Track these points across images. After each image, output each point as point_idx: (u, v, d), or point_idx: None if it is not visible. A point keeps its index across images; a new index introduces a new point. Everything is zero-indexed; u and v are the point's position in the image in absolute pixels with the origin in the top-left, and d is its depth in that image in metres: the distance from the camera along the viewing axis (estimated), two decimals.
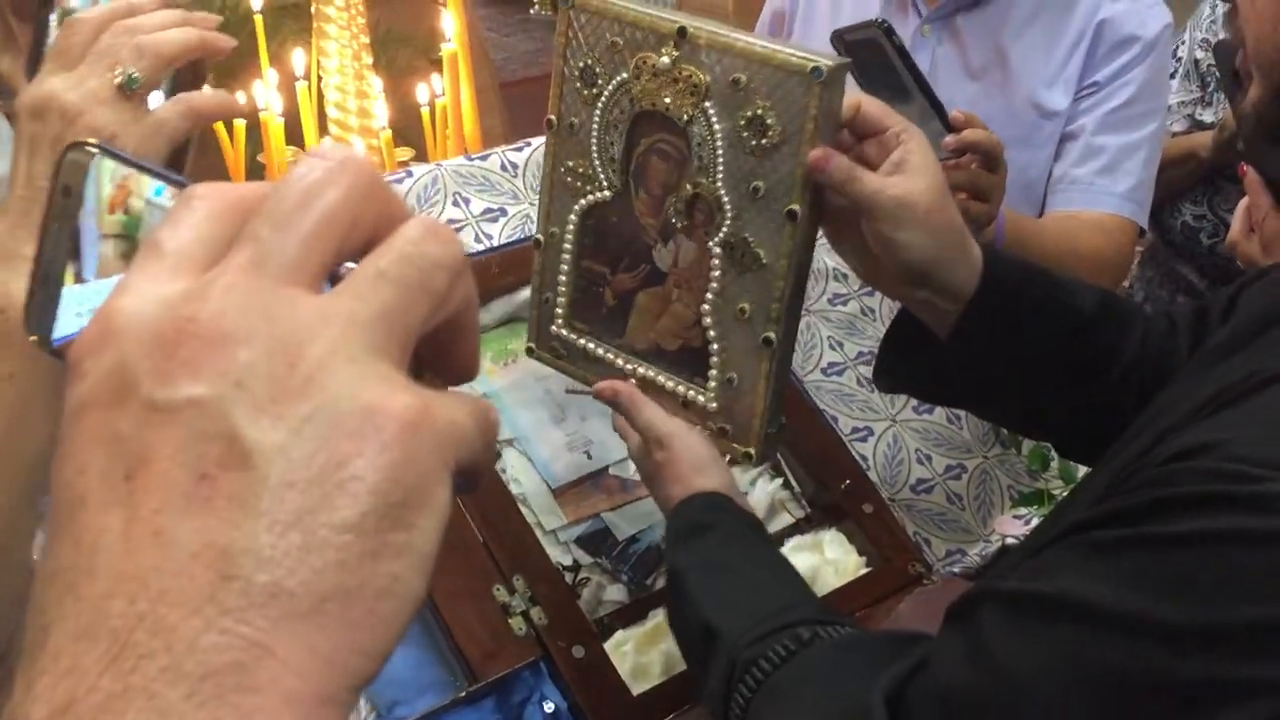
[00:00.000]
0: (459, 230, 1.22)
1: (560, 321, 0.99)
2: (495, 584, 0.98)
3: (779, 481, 1.16)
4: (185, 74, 0.82)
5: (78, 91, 0.76)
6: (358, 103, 1.53)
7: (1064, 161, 1.49)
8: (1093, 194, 1.46)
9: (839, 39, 1.20)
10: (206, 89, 0.85)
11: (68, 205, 0.42)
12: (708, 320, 0.89)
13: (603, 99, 0.90)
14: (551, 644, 0.96)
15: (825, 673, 0.76)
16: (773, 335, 0.86)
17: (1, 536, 0.72)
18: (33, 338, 0.41)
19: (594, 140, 0.92)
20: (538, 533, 1.05)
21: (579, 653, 0.96)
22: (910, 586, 1.09)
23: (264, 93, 1.47)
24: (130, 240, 0.45)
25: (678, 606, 0.87)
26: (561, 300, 0.98)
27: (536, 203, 1.31)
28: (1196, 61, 2.00)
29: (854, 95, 0.84)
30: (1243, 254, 1.18)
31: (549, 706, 0.94)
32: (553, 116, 0.94)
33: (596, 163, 0.92)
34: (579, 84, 0.91)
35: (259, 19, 1.56)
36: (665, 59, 0.85)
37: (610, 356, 0.97)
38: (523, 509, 1.05)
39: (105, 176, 0.43)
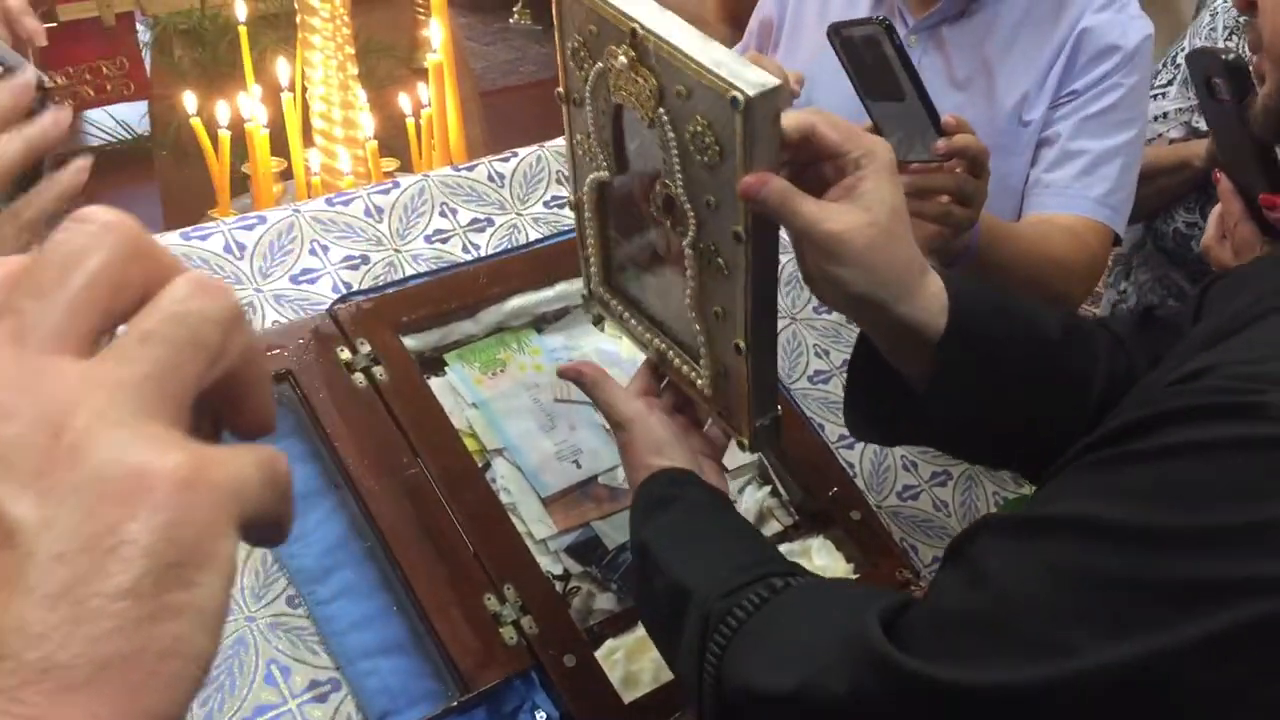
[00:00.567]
0: (445, 241, 1.23)
1: (596, 281, 1.01)
2: (486, 593, 0.98)
3: (767, 489, 1.17)
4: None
5: None
6: (343, 113, 1.53)
7: (1039, 166, 1.49)
8: (1067, 197, 1.46)
9: (835, 33, 1.19)
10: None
11: None
12: (691, 314, 0.89)
13: (589, 84, 0.88)
14: (543, 653, 0.96)
15: (807, 610, 0.75)
16: (741, 343, 0.85)
17: None
18: None
19: (590, 120, 0.91)
20: (528, 542, 1.05)
21: (570, 661, 0.97)
22: (899, 592, 1.09)
23: (249, 104, 1.47)
24: None
25: (646, 579, 0.86)
26: (594, 259, 1.00)
27: (523, 213, 1.32)
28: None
29: (808, 116, 0.80)
30: (1215, 259, 1.19)
31: (540, 715, 0.94)
32: (561, 89, 0.93)
33: (594, 143, 0.92)
34: (573, 63, 0.90)
35: (243, 30, 1.56)
36: (624, 59, 0.83)
37: (634, 322, 0.98)
38: (513, 518, 1.06)
39: None
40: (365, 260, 1.19)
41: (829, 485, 1.16)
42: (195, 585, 0.31)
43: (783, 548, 1.13)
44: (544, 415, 1.14)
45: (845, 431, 1.25)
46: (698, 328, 0.89)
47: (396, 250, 1.20)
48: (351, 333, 1.08)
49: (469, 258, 1.22)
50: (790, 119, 0.79)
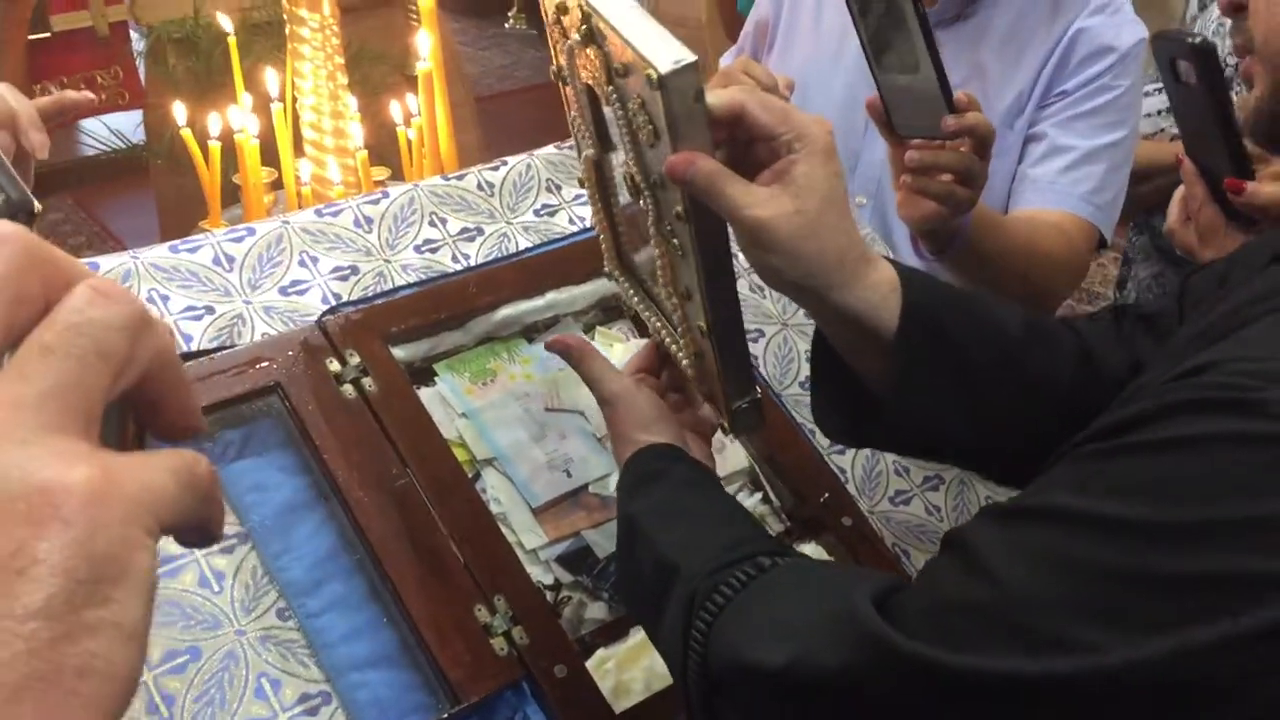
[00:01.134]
0: (435, 251, 1.23)
1: (608, 256, 1.00)
2: (476, 604, 0.98)
3: (758, 496, 1.17)
4: None
5: None
6: (333, 123, 1.54)
7: (1025, 161, 1.49)
8: (1052, 193, 1.46)
9: None
10: None
11: None
12: (661, 294, 0.88)
13: (565, 60, 0.88)
14: (533, 664, 0.96)
15: (797, 587, 0.74)
16: (703, 323, 0.83)
17: None
18: None
19: (572, 100, 0.90)
20: (518, 552, 1.05)
21: (561, 672, 0.96)
22: None
23: (239, 115, 1.47)
24: None
25: (631, 554, 0.85)
26: (604, 238, 0.99)
27: (513, 222, 1.32)
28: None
29: (737, 95, 0.78)
30: (1179, 242, 1.18)
31: None
32: (554, 68, 0.92)
33: (579, 121, 0.91)
34: (556, 43, 0.89)
35: (232, 41, 1.56)
36: (577, 35, 0.81)
37: (636, 300, 0.98)
38: (503, 528, 1.06)
39: None
40: (355, 271, 1.18)
41: (820, 491, 1.16)
42: (111, 601, 0.30)
43: None
44: (534, 424, 1.14)
45: None
46: (674, 304, 0.88)
47: (386, 260, 1.20)
48: (340, 344, 1.08)
49: (459, 267, 1.22)
50: (718, 97, 0.77)
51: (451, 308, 1.16)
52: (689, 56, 0.72)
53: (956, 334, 0.83)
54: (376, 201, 1.24)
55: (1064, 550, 0.59)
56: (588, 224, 1.28)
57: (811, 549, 1.13)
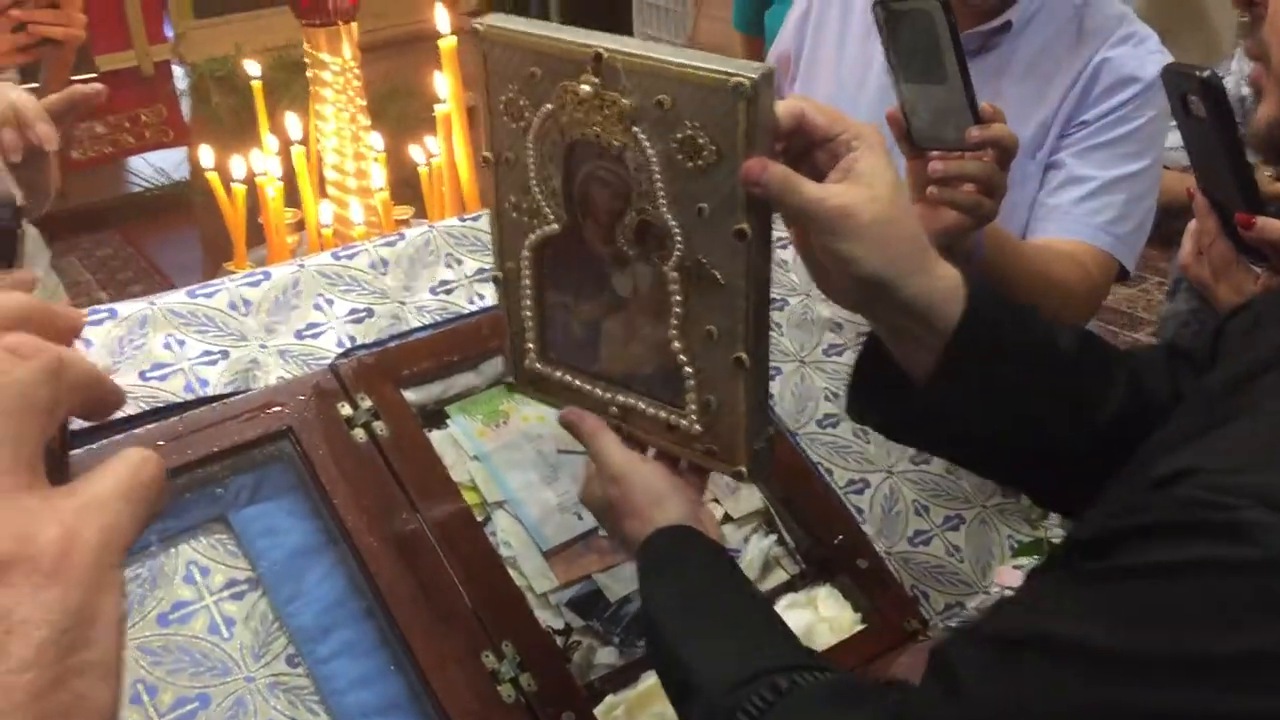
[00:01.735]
0: (450, 292, 1.23)
1: (533, 355, 0.97)
2: (484, 650, 0.98)
3: (773, 538, 1.16)
4: None
5: None
6: (355, 164, 1.55)
7: (1044, 190, 1.47)
8: (1069, 220, 1.43)
9: (882, 6, 1.15)
10: None
11: None
12: (676, 345, 0.87)
13: (532, 132, 0.86)
14: (541, 710, 0.96)
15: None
16: (743, 355, 0.83)
17: None
18: None
19: (532, 174, 0.88)
20: (528, 596, 1.05)
21: (569, 719, 0.96)
22: (906, 643, 1.08)
23: (262, 159, 1.49)
24: None
25: (652, 643, 0.87)
26: (530, 334, 0.97)
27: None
28: (1243, 98, 1.97)
29: (796, 102, 0.81)
30: (1193, 277, 1.16)
31: None
32: (488, 153, 0.91)
33: (539, 196, 0.89)
34: (506, 118, 0.88)
35: (256, 85, 1.58)
36: (586, 87, 0.82)
37: (588, 387, 0.95)
38: (512, 572, 1.05)
39: None
40: (370, 313, 1.19)
41: (835, 532, 1.15)
42: (92, 642, 0.34)
43: (789, 597, 1.12)
44: (546, 466, 1.14)
45: (855, 476, 1.24)
46: (684, 358, 0.87)
47: (401, 303, 1.21)
48: (353, 388, 1.09)
49: (474, 308, 1.22)
50: (781, 106, 0.80)
51: (464, 350, 1.16)
52: (767, 65, 0.76)
53: (1013, 337, 0.85)
54: (393, 244, 1.25)
55: (1049, 682, 0.59)
56: None
57: (826, 591, 1.12)
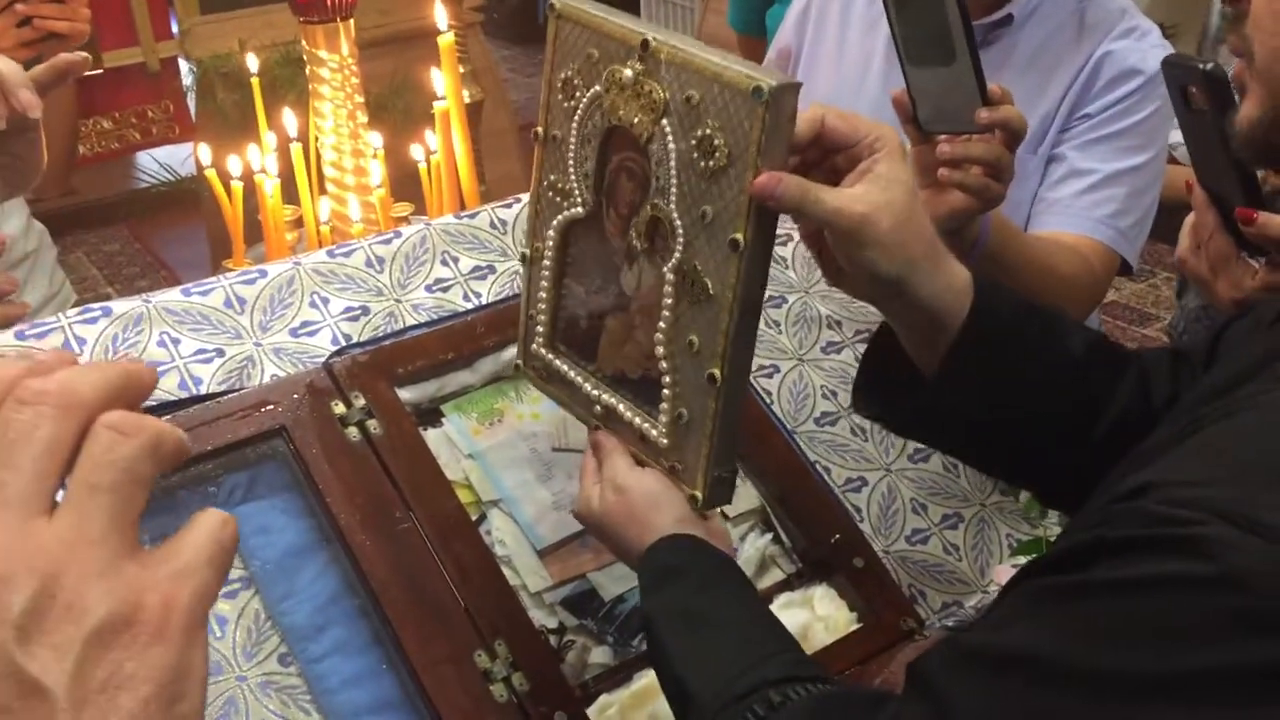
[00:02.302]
0: (447, 290, 1.23)
1: (541, 340, 0.98)
2: (476, 650, 0.97)
3: (769, 536, 1.15)
4: None
5: None
6: (353, 161, 1.55)
7: (1045, 183, 1.46)
8: (1071, 215, 1.42)
9: None
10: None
11: None
12: (660, 350, 0.87)
13: (579, 112, 0.88)
14: (533, 710, 0.95)
15: None
16: (717, 372, 0.83)
17: None
18: None
19: (570, 154, 0.90)
20: (522, 595, 1.05)
21: (562, 719, 0.95)
22: (902, 642, 1.07)
23: (258, 155, 1.49)
24: None
25: (652, 652, 0.87)
26: (543, 319, 0.97)
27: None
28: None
29: (816, 110, 0.82)
30: (1190, 271, 1.15)
31: None
32: (539, 129, 0.93)
33: (572, 177, 0.91)
34: (561, 95, 0.90)
35: (255, 82, 1.58)
36: (629, 72, 0.83)
37: (580, 381, 0.96)
38: (506, 570, 1.05)
39: None
40: (365, 311, 1.19)
41: (832, 531, 1.14)
42: (187, 695, 0.39)
43: (785, 596, 1.11)
44: (541, 465, 1.13)
45: (853, 474, 1.24)
46: (664, 365, 0.87)
47: (397, 300, 1.21)
48: (347, 386, 1.08)
49: (470, 306, 1.22)
50: (801, 118, 0.81)
51: (459, 348, 1.16)
52: (790, 78, 0.77)
53: (1018, 335, 0.87)
54: (388, 241, 1.25)
55: (1023, 699, 0.60)
56: None
57: (822, 590, 1.11)
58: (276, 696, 0.95)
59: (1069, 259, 1.38)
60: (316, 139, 1.57)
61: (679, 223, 0.83)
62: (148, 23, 4.21)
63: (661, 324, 0.86)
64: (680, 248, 0.83)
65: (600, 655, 1.04)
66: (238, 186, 1.50)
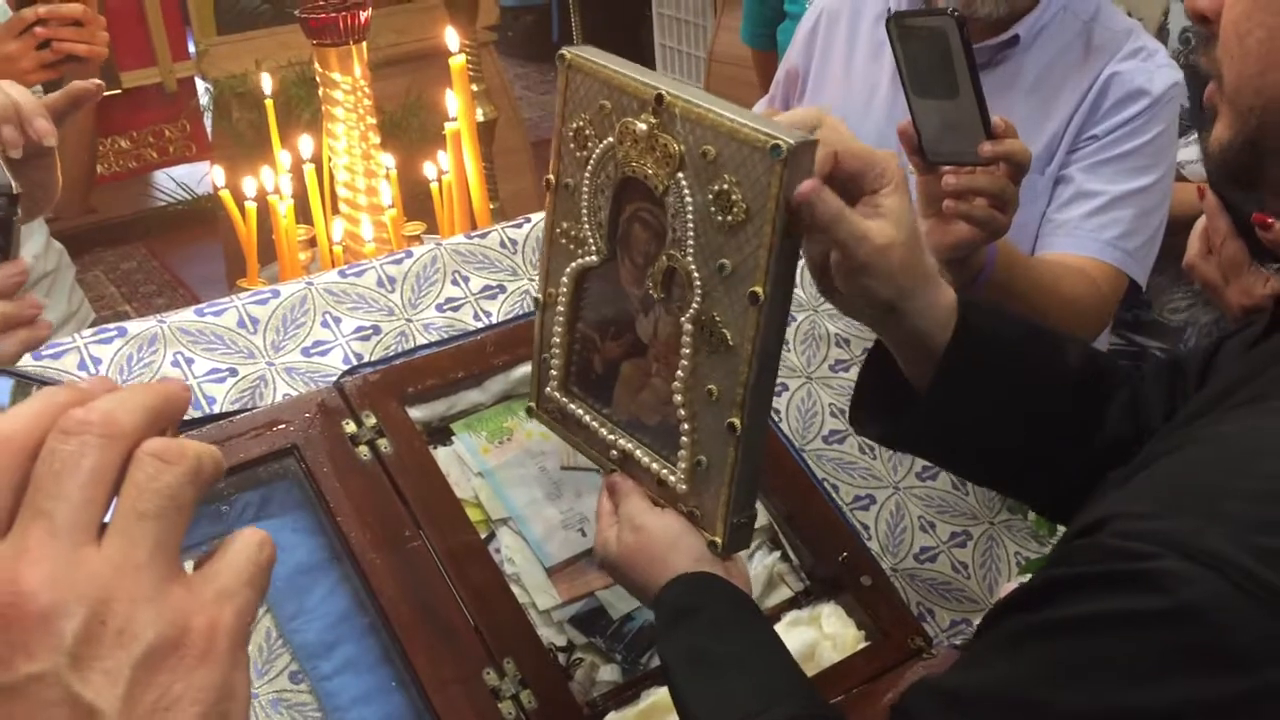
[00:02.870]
0: (457, 309, 1.24)
1: (555, 384, 1.00)
2: (485, 668, 0.98)
3: (777, 554, 1.16)
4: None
5: None
6: (366, 181, 1.56)
7: (1052, 205, 1.46)
8: (1078, 236, 1.43)
9: (897, 23, 1.15)
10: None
11: None
12: (678, 399, 0.88)
13: (592, 162, 0.89)
14: None
15: None
16: (737, 421, 0.84)
17: None
18: None
19: (584, 203, 0.91)
20: (531, 613, 1.05)
21: None
22: (910, 661, 1.07)
23: (270, 176, 1.50)
24: None
25: (671, 693, 0.88)
26: (556, 363, 0.99)
27: (536, 278, 1.33)
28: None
29: (826, 151, 0.83)
30: (1200, 277, 1.14)
31: None
32: (551, 176, 0.95)
33: (586, 226, 0.92)
34: (573, 145, 0.91)
35: (269, 103, 1.60)
36: (643, 125, 0.84)
37: (596, 425, 0.97)
38: (515, 589, 1.06)
39: None
40: (377, 331, 1.20)
41: (839, 549, 1.14)
42: (231, 715, 0.40)
43: (793, 614, 1.11)
44: (550, 483, 1.14)
45: (860, 492, 1.24)
46: (683, 413, 0.88)
47: (408, 320, 1.22)
48: (358, 405, 1.09)
49: (480, 325, 1.23)
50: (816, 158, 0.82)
51: (469, 367, 1.17)
52: (811, 136, 0.79)
53: (1006, 352, 0.89)
54: (400, 261, 1.26)
55: None
56: None
57: (830, 609, 1.11)
58: (287, 714, 0.96)
59: (1076, 282, 1.38)
60: (329, 160, 1.59)
61: (696, 274, 0.84)
62: (165, 44, 4.25)
63: (680, 373, 0.87)
64: (698, 299, 0.85)
65: (609, 673, 1.05)
66: (251, 207, 1.52)
